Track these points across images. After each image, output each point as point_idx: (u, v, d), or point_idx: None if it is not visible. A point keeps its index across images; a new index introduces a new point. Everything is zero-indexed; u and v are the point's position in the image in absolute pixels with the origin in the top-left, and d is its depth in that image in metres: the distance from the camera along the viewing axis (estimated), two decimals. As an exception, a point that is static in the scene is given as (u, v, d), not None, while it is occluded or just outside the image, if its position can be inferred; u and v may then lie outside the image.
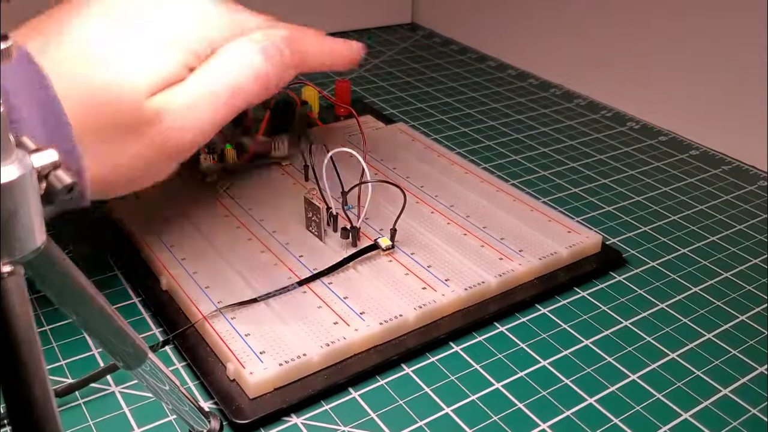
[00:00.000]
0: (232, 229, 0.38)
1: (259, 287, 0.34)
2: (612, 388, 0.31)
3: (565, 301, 0.36)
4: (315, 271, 0.35)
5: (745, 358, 0.33)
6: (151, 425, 0.28)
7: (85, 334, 0.32)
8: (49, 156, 0.17)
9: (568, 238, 0.38)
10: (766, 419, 0.30)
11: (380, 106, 0.58)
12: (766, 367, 0.33)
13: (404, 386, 0.31)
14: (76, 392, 0.30)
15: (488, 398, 0.30)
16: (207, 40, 0.31)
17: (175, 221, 0.38)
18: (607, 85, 0.61)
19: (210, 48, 0.31)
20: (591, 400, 0.30)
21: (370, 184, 0.37)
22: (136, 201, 0.39)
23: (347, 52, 0.38)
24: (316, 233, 0.38)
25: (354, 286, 0.34)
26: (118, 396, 0.30)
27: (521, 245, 0.38)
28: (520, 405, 0.30)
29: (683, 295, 0.37)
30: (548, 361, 0.33)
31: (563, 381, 0.31)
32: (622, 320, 0.35)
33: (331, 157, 0.38)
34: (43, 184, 0.17)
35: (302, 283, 0.34)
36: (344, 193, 0.40)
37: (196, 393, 0.30)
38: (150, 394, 0.27)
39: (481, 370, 0.32)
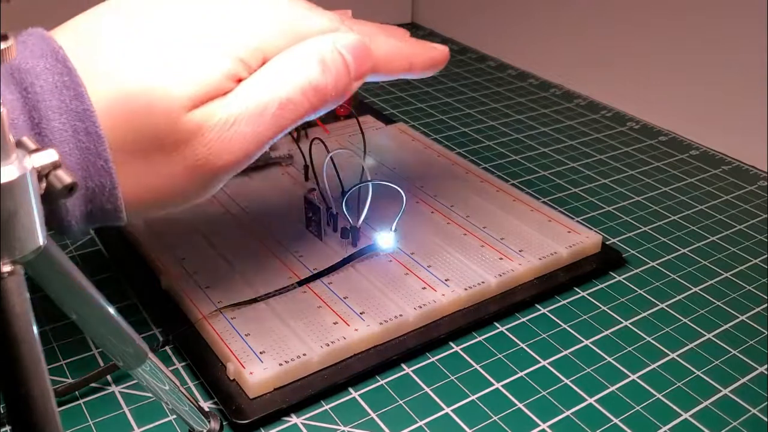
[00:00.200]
0: (232, 229, 0.38)
1: (259, 287, 0.34)
2: (612, 388, 0.31)
3: (565, 301, 0.36)
4: (315, 271, 0.35)
5: (745, 358, 0.33)
6: (151, 425, 0.28)
7: (85, 334, 0.32)
8: (49, 156, 0.17)
9: (568, 238, 0.38)
10: (766, 419, 0.30)
11: (380, 106, 0.58)
12: (766, 367, 0.33)
13: (404, 386, 0.31)
14: (76, 392, 0.30)
15: (488, 398, 0.30)
16: (260, 49, 0.27)
17: (175, 221, 0.38)
18: (607, 85, 0.61)
19: (262, 57, 0.27)
20: (591, 400, 0.30)
21: (369, 184, 0.37)
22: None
23: (428, 56, 0.32)
24: (316, 233, 0.38)
25: (354, 286, 0.34)
26: (118, 396, 0.30)
27: (521, 245, 0.38)
28: (520, 405, 0.30)
29: (683, 295, 0.37)
30: (548, 361, 0.33)
31: (563, 381, 0.31)
32: (622, 320, 0.35)
33: (331, 157, 0.38)
34: (43, 184, 0.17)
35: (302, 283, 0.34)
36: (344, 193, 0.40)
37: (196, 393, 0.30)
38: (150, 394, 0.27)
39: (481, 370, 0.32)
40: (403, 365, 0.32)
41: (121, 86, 0.24)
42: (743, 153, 0.51)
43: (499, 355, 0.33)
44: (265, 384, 0.29)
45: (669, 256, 0.40)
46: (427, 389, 0.31)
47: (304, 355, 0.30)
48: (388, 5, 0.78)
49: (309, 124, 0.49)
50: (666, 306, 0.36)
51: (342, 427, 0.29)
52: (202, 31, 0.26)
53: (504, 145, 0.53)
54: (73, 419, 0.29)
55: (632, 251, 0.41)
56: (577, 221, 0.43)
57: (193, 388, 0.30)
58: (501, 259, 0.37)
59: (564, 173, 0.49)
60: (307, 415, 0.29)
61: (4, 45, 0.16)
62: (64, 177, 0.17)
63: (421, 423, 0.29)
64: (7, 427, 0.18)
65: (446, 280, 0.35)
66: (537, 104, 0.60)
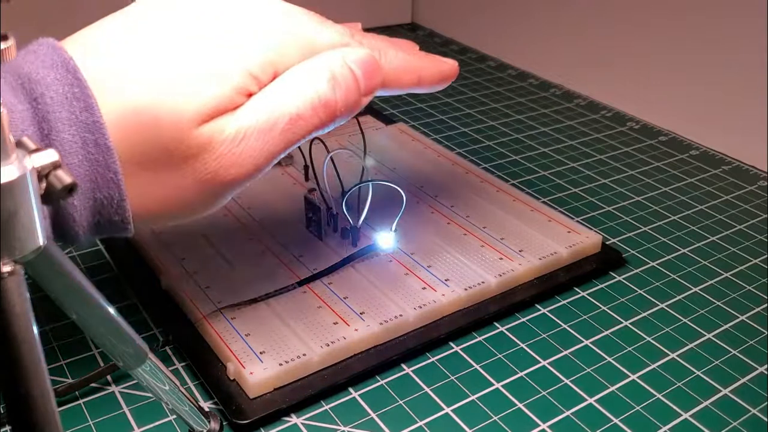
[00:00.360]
0: (232, 229, 0.38)
1: (259, 287, 0.34)
2: (612, 388, 0.31)
3: (564, 301, 0.36)
4: (315, 271, 0.35)
5: (745, 358, 0.33)
6: (151, 425, 0.28)
7: (85, 334, 0.32)
8: (49, 156, 0.17)
9: (568, 238, 0.39)
10: (766, 419, 0.30)
11: (380, 106, 0.58)
12: (766, 367, 0.33)
13: (404, 386, 0.31)
14: (76, 392, 0.30)
15: (488, 398, 0.30)
16: (271, 63, 0.26)
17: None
18: (607, 85, 0.61)
19: (273, 71, 0.27)
20: (591, 400, 0.30)
21: (370, 184, 0.37)
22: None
23: (437, 70, 0.32)
24: (316, 233, 0.38)
25: (354, 286, 0.34)
26: (118, 396, 0.30)
27: (521, 245, 0.38)
28: (520, 405, 0.30)
29: (683, 295, 0.37)
30: (548, 361, 0.33)
31: (563, 381, 0.31)
32: (622, 320, 0.35)
33: (331, 157, 0.38)
34: (43, 184, 0.17)
35: (302, 283, 0.34)
36: (344, 193, 0.40)
37: (196, 393, 0.30)
38: (150, 394, 0.27)
39: (481, 370, 0.32)
40: (403, 365, 0.32)
41: (130, 100, 0.24)
42: (743, 153, 0.51)
43: (499, 355, 0.33)
44: (265, 384, 0.29)
45: (669, 256, 0.40)
46: (427, 389, 0.31)
47: (304, 355, 0.30)
48: (388, 5, 0.78)
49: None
50: (666, 306, 0.36)
51: (342, 427, 0.29)
52: (212, 45, 0.26)
53: (504, 145, 0.53)
54: (73, 419, 0.29)
55: (632, 251, 0.41)
56: (577, 221, 0.43)
57: (193, 388, 0.30)
58: (501, 259, 0.37)
59: (564, 173, 0.49)
60: (307, 415, 0.29)
61: (4, 45, 0.16)
62: (64, 177, 0.17)
63: (421, 423, 0.29)
64: (7, 427, 0.18)
65: (446, 280, 0.35)
66: (537, 104, 0.60)
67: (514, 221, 0.40)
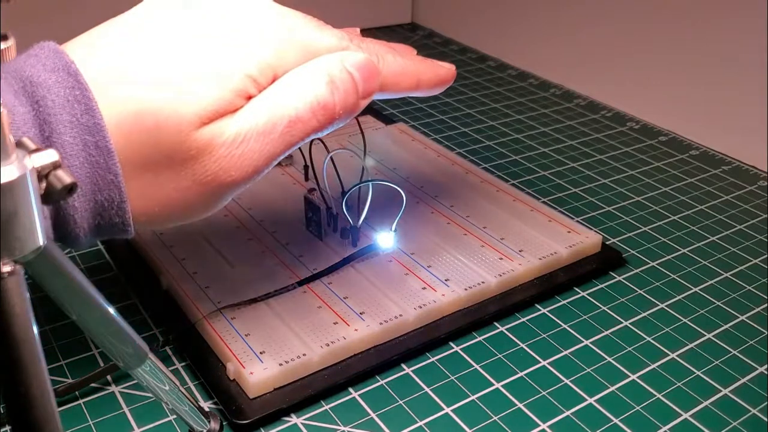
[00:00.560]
0: (232, 229, 0.38)
1: (259, 287, 0.34)
2: (612, 388, 0.31)
3: (564, 301, 0.36)
4: (315, 271, 0.35)
5: (745, 358, 0.33)
6: (151, 425, 0.28)
7: (85, 334, 0.32)
8: (49, 156, 0.17)
9: (568, 238, 0.39)
10: (766, 419, 0.30)
11: (380, 106, 0.58)
12: (766, 367, 0.33)
13: (404, 386, 0.31)
14: (76, 392, 0.30)
15: (488, 398, 0.30)
16: (270, 67, 0.27)
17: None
18: (607, 85, 0.61)
19: (272, 74, 0.27)
20: (591, 400, 0.30)
21: (370, 184, 0.37)
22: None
23: (435, 74, 0.33)
24: (316, 233, 0.38)
25: (354, 286, 0.34)
26: (118, 396, 0.30)
27: (521, 245, 0.38)
28: (520, 405, 0.30)
29: (683, 295, 0.37)
30: (548, 361, 0.33)
31: (563, 381, 0.31)
32: (622, 320, 0.35)
33: (331, 157, 0.38)
34: (43, 184, 0.17)
35: (302, 283, 0.34)
36: (344, 193, 0.40)
37: (196, 393, 0.30)
38: (150, 394, 0.27)
39: (481, 370, 0.32)
40: (403, 365, 0.32)
41: (130, 103, 0.24)
42: (743, 153, 0.51)
43: (499, 355, 0.33)
44: (265, 384, 0.29)
45: (669, 256, 0.40)
46: (427, 389, 0.31)
47: (304, 355, 0.30)
48: (388, 5, 0.78)
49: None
50: (666, 306, 0.36)
51: (342, 427, 0.29)
52: (212, 48, 0.26)
53: (504, 145, 0.53)
54: (73, 419, 0.29)
55: (632, 251, 0.41)
56: (577, 221, 0.43)
57: (193, 388, 0.30)
58: (501, 259, 0.37)
59: (564, 173, 0.49)
60: (307, 415, 0.29)
61: (4, 45, 0.16)
62: (64, 177, 0.17)
63: (421, 423, 0.29)
64: (7, 427, 0.18)
65: (446, 280, 0.35)
66: (537, 104, 0.60)
67: (514, 221, 0.40)
